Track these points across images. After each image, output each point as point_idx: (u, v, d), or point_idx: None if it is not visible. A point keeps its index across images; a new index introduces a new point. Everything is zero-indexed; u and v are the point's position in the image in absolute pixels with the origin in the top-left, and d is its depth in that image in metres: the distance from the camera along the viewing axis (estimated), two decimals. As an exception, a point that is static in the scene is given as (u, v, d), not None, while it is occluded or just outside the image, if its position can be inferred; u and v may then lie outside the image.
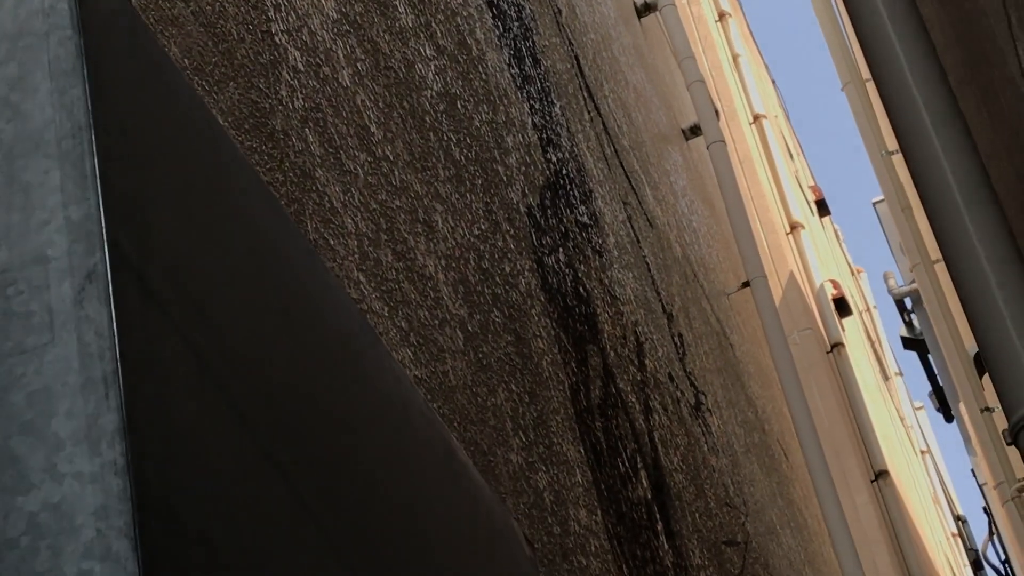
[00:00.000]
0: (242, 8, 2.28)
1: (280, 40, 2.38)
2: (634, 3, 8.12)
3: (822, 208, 13.49)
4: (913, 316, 12.97)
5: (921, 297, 9.47)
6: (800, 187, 12.22)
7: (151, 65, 1.26)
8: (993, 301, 2.96)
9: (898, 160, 7.20)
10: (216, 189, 1.34)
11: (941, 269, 6.73)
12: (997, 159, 3.52)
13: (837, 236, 15.37)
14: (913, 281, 10.17)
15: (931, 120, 3.04)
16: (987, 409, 6.66)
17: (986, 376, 5.85)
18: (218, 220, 1.30)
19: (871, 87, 7.38)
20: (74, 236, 1.02)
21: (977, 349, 3.69)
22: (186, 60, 1.99)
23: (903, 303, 13.29)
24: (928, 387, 12.89)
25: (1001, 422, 6.65)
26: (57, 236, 1.02)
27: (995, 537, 11.61)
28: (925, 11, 3.12)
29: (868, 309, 15.59)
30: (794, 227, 9.75)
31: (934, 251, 6.77)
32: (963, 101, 3.21)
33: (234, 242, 1.33)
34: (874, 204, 13.80)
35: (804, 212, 11.01)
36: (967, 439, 12.35)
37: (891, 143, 7.26)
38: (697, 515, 4.29)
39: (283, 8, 2.46)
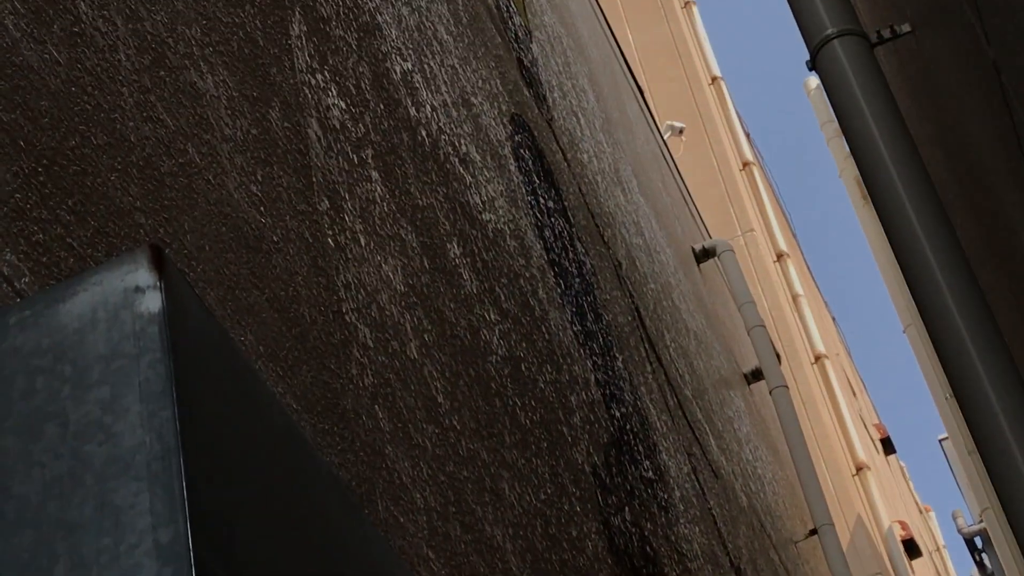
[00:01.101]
0: (314, 290, 2.35)
1: (350, 319, 2.45)
2: (693, 250, 8.23)
3: (887, 446, 13.41)
4: (984, 556, 12.73)
5: (991, 538, 9.32)
6: (864, 425, 12.17)
7: (235, 380, 1.31)
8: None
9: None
10: (294, 495, 1.39)
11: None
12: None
13: (903, 474, 15.22)
14: (982, 520, 10.02)
15: (986, 374, 3.07)
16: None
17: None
18: (296, 526, 1.34)
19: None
20: (163, 559, 1.06)
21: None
22: (261, 347, 2.05)
23: (973, 542, 13.06)
24: (1004, 628, 12.57)
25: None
26: (146, 559, 1.06)
27: None
28: (982, 277, 3.17)
29: (938, 548, 15.33)
30: (860, 468, 9.69)
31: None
32: (1020, 361, 3.24)
33: (311, 544, 1.37)
34: (940, 441, 13.68)
35: (869, 452, 10.94)
36: None
37: (955, 386, 7.25)
38: None
39: (353, 287, 2.52)
